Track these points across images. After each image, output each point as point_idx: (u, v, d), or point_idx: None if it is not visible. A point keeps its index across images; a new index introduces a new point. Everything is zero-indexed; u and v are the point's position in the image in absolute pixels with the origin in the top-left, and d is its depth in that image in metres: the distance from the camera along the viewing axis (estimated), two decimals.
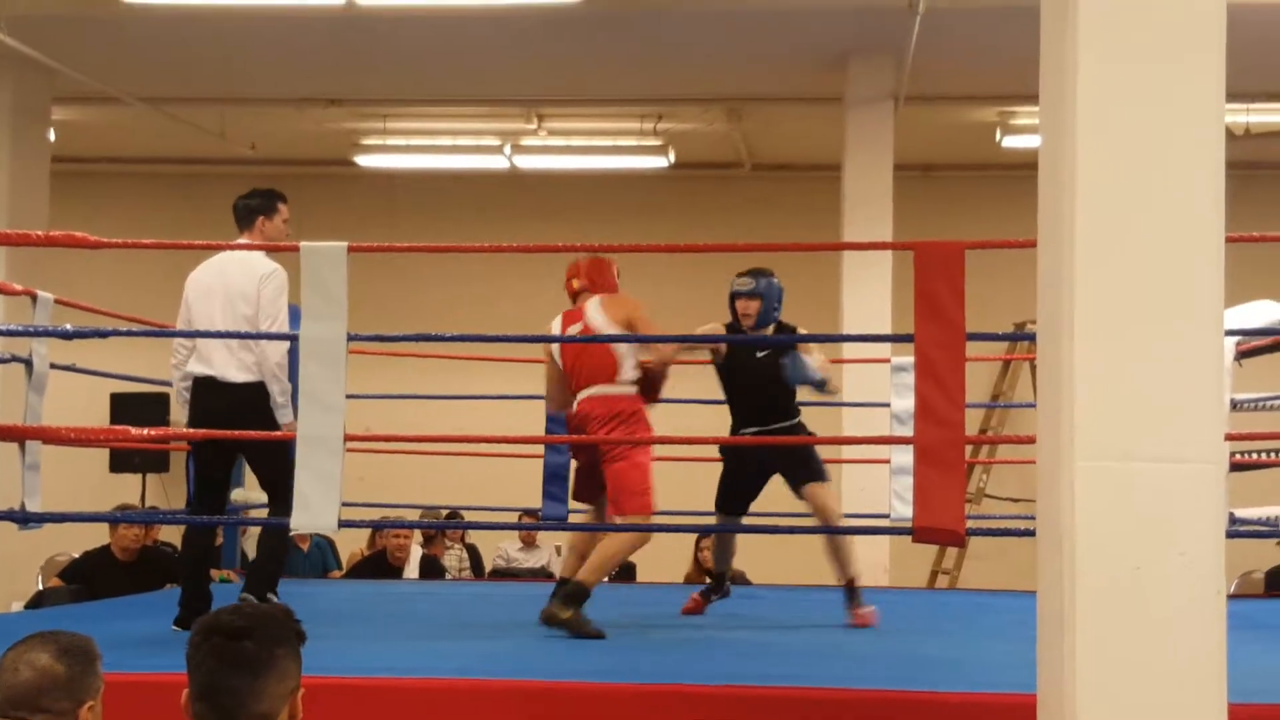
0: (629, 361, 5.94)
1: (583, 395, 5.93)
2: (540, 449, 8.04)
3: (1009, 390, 12.25)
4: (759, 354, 6.39)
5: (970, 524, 5.29)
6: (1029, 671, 3.17)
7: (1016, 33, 5.04)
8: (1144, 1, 2.94)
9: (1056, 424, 2.95)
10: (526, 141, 12.10)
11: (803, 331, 6.53)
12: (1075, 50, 2.94)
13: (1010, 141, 11.25)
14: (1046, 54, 3.14)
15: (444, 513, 10.37)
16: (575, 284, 6.19)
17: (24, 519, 5.64)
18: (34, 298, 6.07)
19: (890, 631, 6.17)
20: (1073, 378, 2.89)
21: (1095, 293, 2.89)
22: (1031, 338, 4.19)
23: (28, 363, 5.98)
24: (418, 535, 10.10)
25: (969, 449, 8.65)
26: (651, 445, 5.96)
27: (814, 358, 6.24)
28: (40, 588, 9.14)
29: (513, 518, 9.12)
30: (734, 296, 6.53)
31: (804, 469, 6.32)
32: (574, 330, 5.98)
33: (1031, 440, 3.36)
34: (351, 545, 10.43)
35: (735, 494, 6.56)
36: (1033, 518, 3.23)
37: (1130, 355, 2.88)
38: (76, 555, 8.65)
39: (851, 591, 6.31)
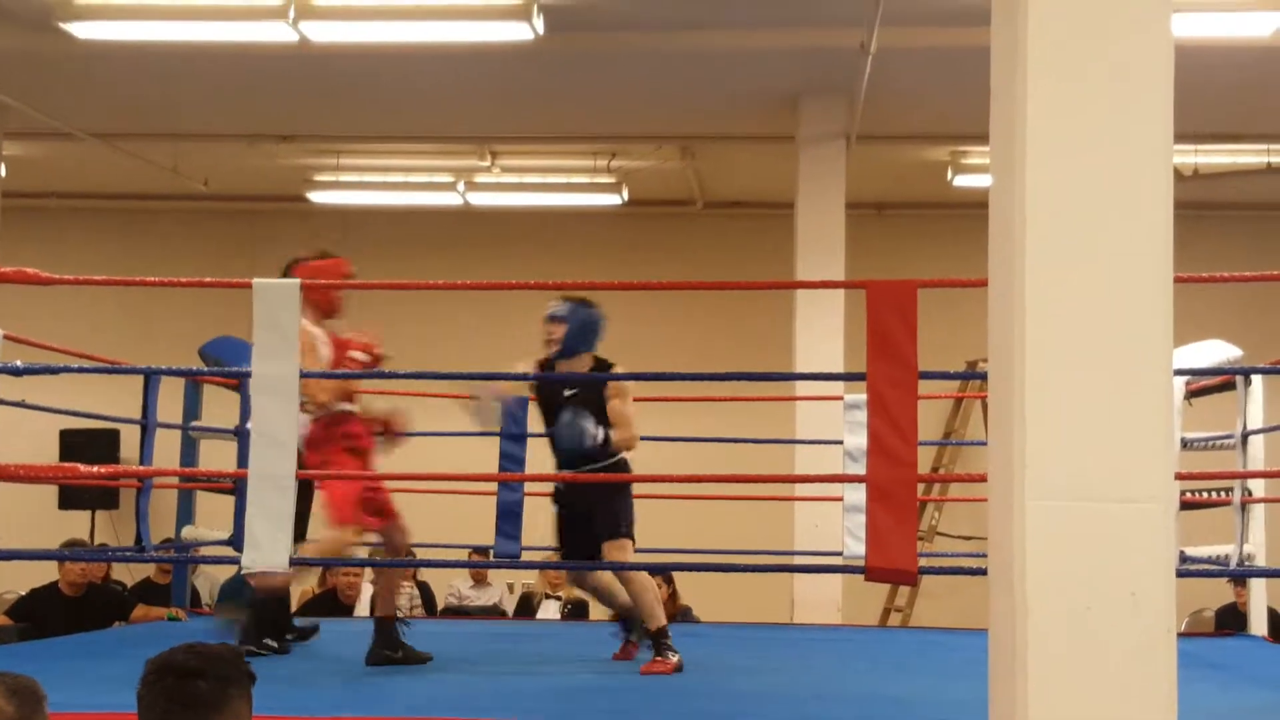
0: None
1: None
2: (493, 486, 8.03)
3: (961, 428, 12.32)
4: (566, 392, 6.15)
5: (923, 562, 5.31)
6: (981, 710, 3.18)
7: (968, 73, 5.09)
8: (1093, 42, 2.97)
9: (1007, 462, 2.97)
10: (480, 178, 12.11)
11: (620, 370, 6.34)
12: (1025, 91, 2.97)
13: (962, 180, 11.34)
14: (997, 94, 3.18)
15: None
16: None
17: None
18: None
19: (844, 670, 6.18)
20: (1023, 416, 2.91)
21: (1045, 332, 2.92)
22: (983, 376, 4.23)
23: None
24: (368, 573, 10.03)
25: (921, 487, 8.69)
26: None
27: (616, 404, 6.01)
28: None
29: (464, 555, 9.09)
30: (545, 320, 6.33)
31: (608, 523, 6.00)
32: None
33: (983, 478, 3.38)
34: (302, 583, 10.35)
35: (570, 542, 6.19)
36: (984, 555, 3.24)
37: (1080, 394, 2.90)
38: (24, 593, 8.56)
39: (659, 639, 5.95)
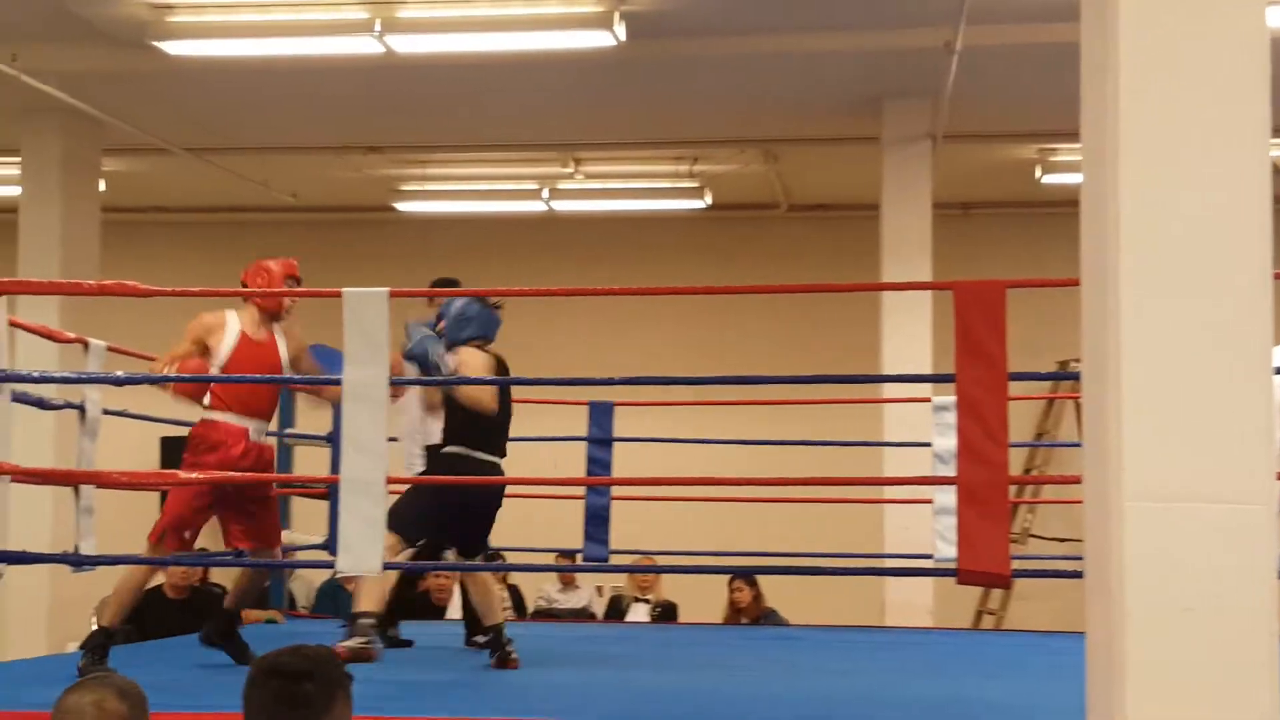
0: None
1: None
2: (581, 490, 8.08)
3: (1053, 429, 12.20)
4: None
5: (1015, 565, 5.28)
6: (1078, 715, 3.17)
7: (1056, 69, 5.05)
8: (1186, 34, 2.94)
9: (1103, 464, 2.95)
10: (564, 185, 12.17)
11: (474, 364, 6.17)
12: (1116, 86, 2.95)
13: (1051, 179, 11.25)
14: (1087, 90, 3.16)
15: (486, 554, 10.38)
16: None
17: (78, 561, 5.70)
18: (86, 345, 6.16)
19: (936, 674, 6.16)
20: (1119, 417, 2.89)
21: (1141, 331, 2.89)
22: (1075, 376, 4.21)
23: (81, 409, 6.07)
24: (459, 576, 10.12)
25: (1013, 489, 8.63)
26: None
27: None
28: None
29: (551, 559, 9.15)
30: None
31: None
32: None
33: (1077, 480, 3.36)
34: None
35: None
36: (1079, 558, 3.22)
37: (1177, 393, 2.88)
38: None
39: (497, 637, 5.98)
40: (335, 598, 8.78)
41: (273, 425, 7.97)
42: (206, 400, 5.91)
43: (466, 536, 6.07)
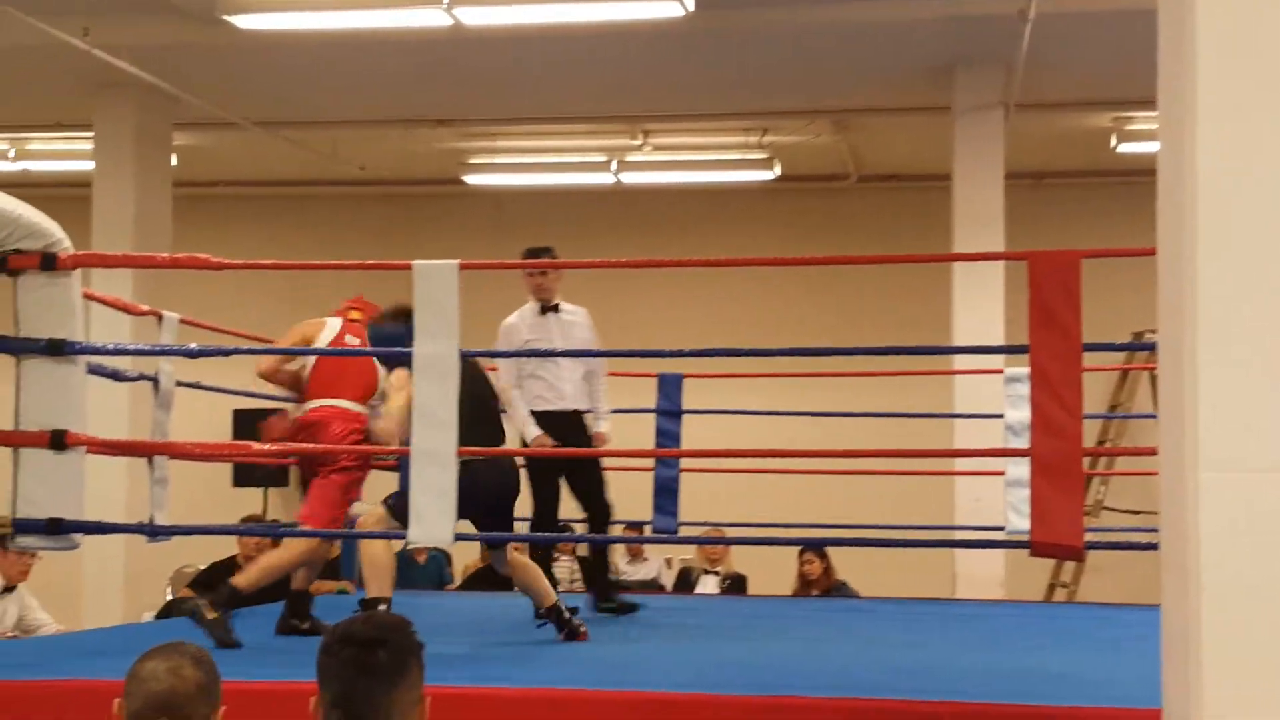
0: None
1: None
2: (649, 463, 8.09)
3: (1127, 401, 12.08)
4: None
5: (1089, 537, 5.23)
6: (1152, 686, 3.14)
7: (1132, 36, 4.99)
8: (1267, 1, 2.90)
9: (1179, 435, 2.92)
10: (632, 157, 12.17)
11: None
12: (1194, 52, 2.90)
13: (1127, 147, 11.12)
14: (1164, 56, 3.11)
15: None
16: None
17: (153, 532, 5.78)
18: (160, 318, 6.22)
19: (1009, 645, 6.12)
20: (1195, 388, 2.85)
21: (1218, 300, 2.85)
22: (1150, 347, 4.16)
23: (155, 381, 6.14)
24: (528, 548, 10.16)
25: (1087, 461, 8.56)
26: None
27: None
28: (169, 598, 9.34)
29: (619, 531, 9.17)
30: None
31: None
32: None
33: (1152, 451, 3.32)
34: (466, 558, 10.53)
35: None
36: (1153, 530, 3.19)
37: (1254, 363, 2.83)
38: (203, 566, 8.82)
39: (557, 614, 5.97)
40: (405, 569, 8.84)
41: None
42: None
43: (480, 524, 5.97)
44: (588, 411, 7.05)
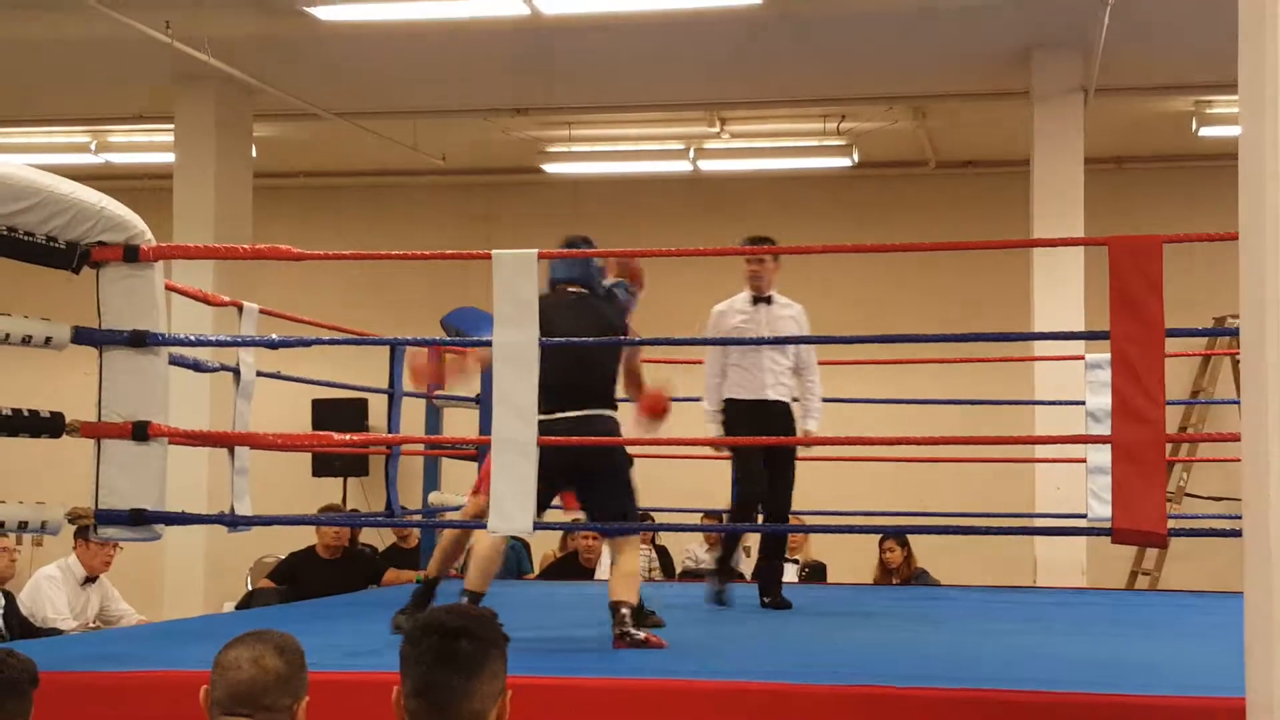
0: None
1: None
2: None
3: (1209, 386, 11.93)
4: None
5: (1171, 524, 5.18)
6: (1236, 675, 3.10)
7: (1214, 18, 4.93)
8: None
9: (1262, 420, 2.88)
10: (710, 145, 12.16)
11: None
12: (1276, 35, 2.86)
13: (1208, 131, 10.98)
14: (1245, 40, 3.07)
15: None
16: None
17: (233, 522, 5.84)
18: (240, 308, 6.29)
19: (1091, 634, 6.06)
20: (1278, 373, 2.82)
21: None
22: (1232, 333, 4.10)
23: (236, 371, 6.21)
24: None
25: (1169, 447, 8.46)
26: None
27: None
28: (250, 588, 9.46)
29: (698, 519, 9.17)
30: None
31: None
32: None
33: (1235, 438, 3.28)
34: (544, 547, 10.58)
35: None
36: (1237, 517, 3.15)
37: None
38: (283, 556, 8.92)
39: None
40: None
41: (421, 387, 8.11)
42: None
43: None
44: (790, 403, 6.97)
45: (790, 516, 7.27)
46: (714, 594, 7.08)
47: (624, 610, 5.36)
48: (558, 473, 5.38)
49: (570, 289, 5.77)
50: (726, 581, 7.15)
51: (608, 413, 5.60)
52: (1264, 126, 2.90)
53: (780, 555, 7.32)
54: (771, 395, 6.88)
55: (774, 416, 6.85)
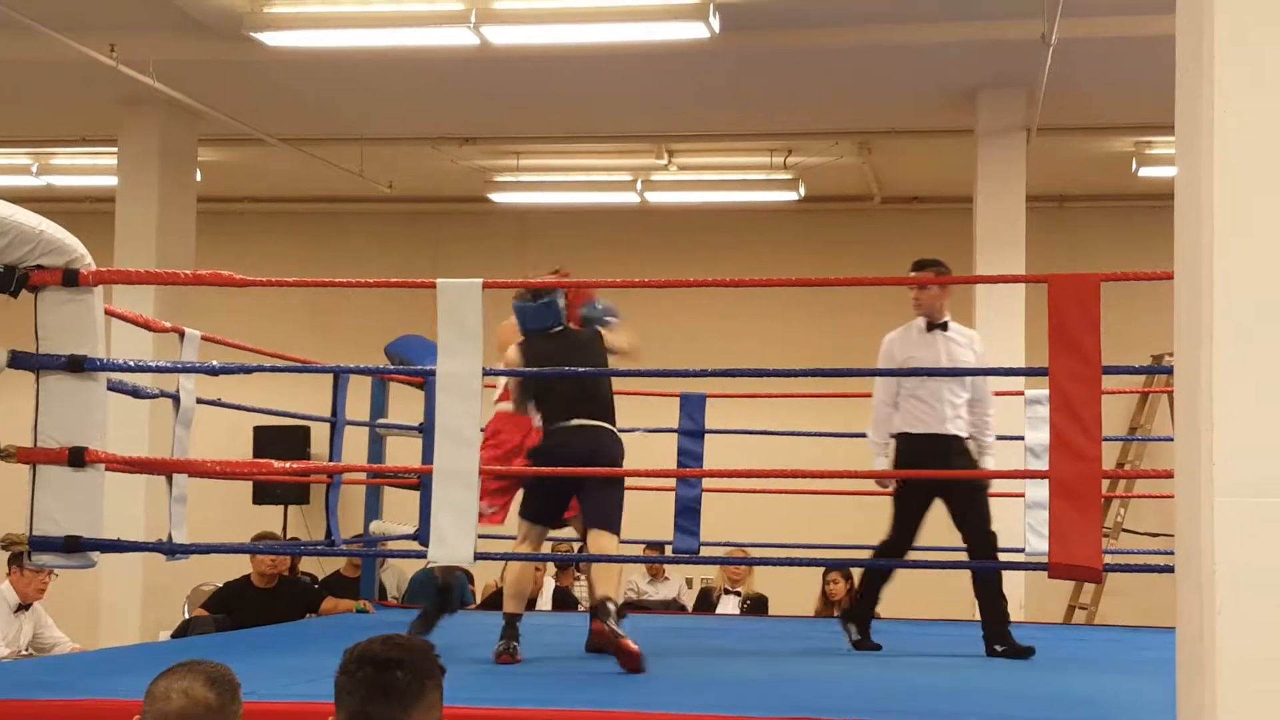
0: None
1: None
2: (671, 482, 8.08)
3: (1146, 424, 12.05)
4: None
5: (1108, 559, 5.22)
6: (1169, 711, 3.13)
7: (1153, 62, 4.99)
8: None
9: (1195, 459, 2.91)
10: (657, 177, 12.20)
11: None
12: (1212, 78, 2.91)
13: (1147, 172, 11.11)
14: (1182, 83, 3.11)
15: (576, 546, 10.43)
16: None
17: (171, 550, 5.79)
18: (182, 334, 6.24)
19: (1028, 668, 6.09)
20: (1211, 412, 2.85)
21: (1234, 324, 2.85)
22: (1169, 371, 4.15)
23: (175, 398, 6.16)
24: (550, 568, 10.18)
25: (1106, 483, 8.53)
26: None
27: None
28: (187, 616, 9.36)
29: (639, 550, 9.17)
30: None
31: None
32: None
33: (1170, 475, 3.31)
34: (487, 577, 10.54)
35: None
36: (1172, 553, 3.18)
37: (1270, 388, 2.83)
38: (220, 585, 8.83)
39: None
40: (426, 588, 8.85)
41: (364, 415, 8.07)
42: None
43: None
44: (969, 438, 6.53)
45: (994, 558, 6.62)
46: (853, 640, 6.65)
47: (609, 604, 5.64)
48: (566, 477, 5.79)
49: (552, 331, 6.01)
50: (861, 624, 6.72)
51: (609, 426, 5.95)
52: (1199, 167, 2.94)
53: (994, 597, 6.62)
54: (951, 429, 6.45)
55: (953, 452, 6.44)
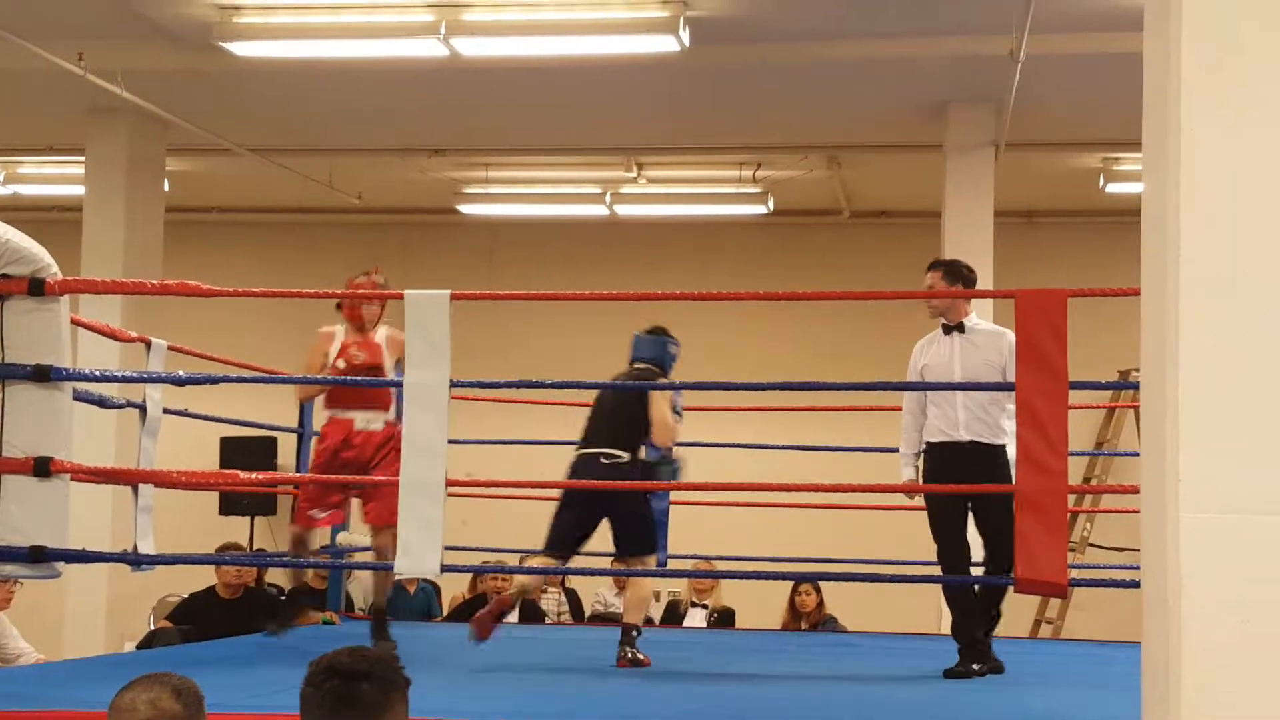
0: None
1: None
2: None
3: (1113, 439, 12.11)
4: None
5: (1073, 574, 5.25)
6: None
7: (1121, 78, 5.02)
8: (1250, 47, 2.92)
9: (1160, 475, 2.93)
10: (627, 189, 12.20)
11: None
12: (1179, 96, 2.92)
13: (1115, 188, 11.16)
14: (1149, 100, 3.13)
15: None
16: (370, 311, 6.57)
17: (137, 561, 5.76)
18: (148, 345, 6.22)
19: (993, 682, 6.11)
20: (1176, 428, 2.86)
21: (1199, 340, 2.87)
22: (1136, 386, 4.17)
23: (142, 408, 6.13)
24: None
25: (1072, 498, 8.56)
26: None
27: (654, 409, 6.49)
28: (152, 628, 9.30)
29: (608, 563, 9.14)
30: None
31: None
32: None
33: (1136, 490, 3.33)
34: (454, 589, 10.51)
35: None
36: (1138, 568, 3.20)
37: (1234, 404, 2.85)
38: (186, 596, 8.78)
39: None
40: (394, 601, 8.82)
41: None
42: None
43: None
44: (993, 445, 6.04)
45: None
46: (979, 669, 6.09)
47: (633, 632, 6.20)
48: (581, 503, 6.31)
49: (638, 366, 6.60)
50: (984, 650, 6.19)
51: (615, 452, 6.37)
52: (1166, 184, 2.96)
53: (987, 611, 6.29)
54: (965, 435, 6.02)
55: (969, 461, 6.00)
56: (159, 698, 2.77)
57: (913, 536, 9.54)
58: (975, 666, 6.00)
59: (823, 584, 9.32)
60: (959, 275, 6.23)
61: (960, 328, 6.18)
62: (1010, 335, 5.69)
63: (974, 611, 6.15)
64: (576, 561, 9.23)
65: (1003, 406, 5.98)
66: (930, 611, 9.68)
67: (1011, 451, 5.52)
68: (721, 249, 13.08)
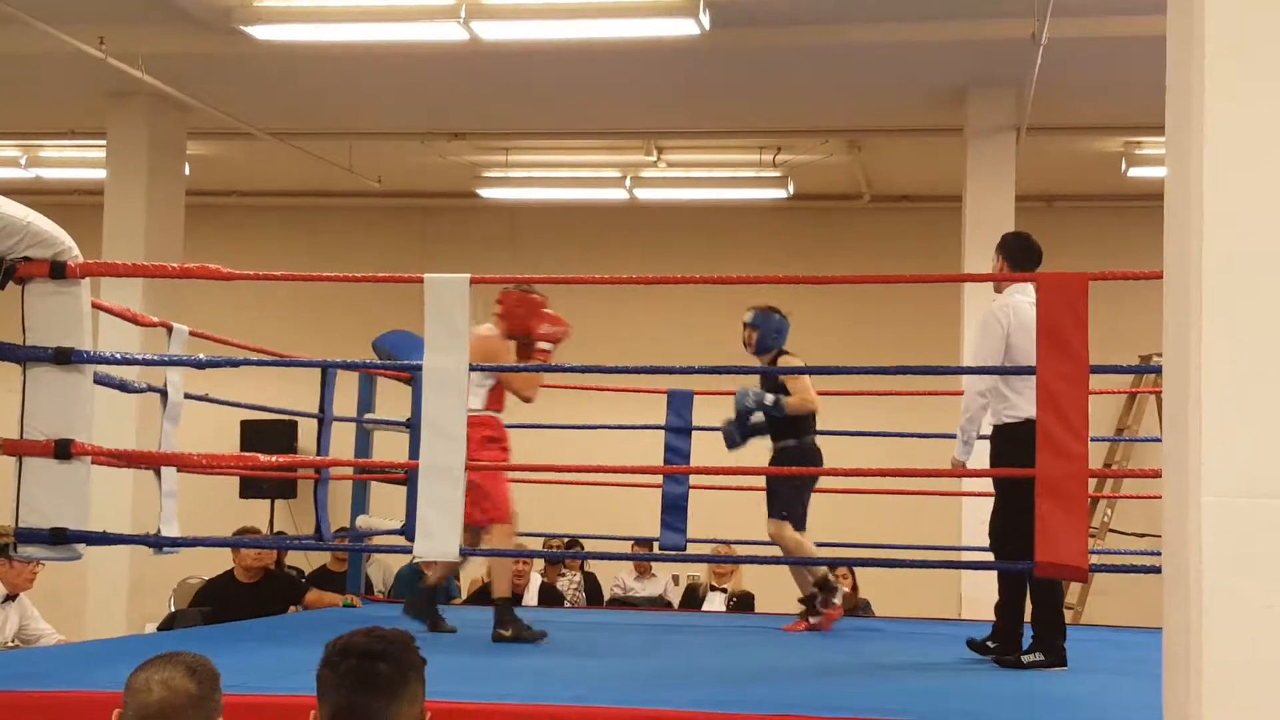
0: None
1: None
2: (658, 479, 8.08)
3: (1134, 424, 12.07)
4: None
5: (1094, 559, 5.22)
6: (1155, 710, 3.13)
7: (1143, 62, 4.99)
8: (1273, 29, 2.89)
9: (1182, 459, 2.91)
10: (646, 173, 12.19)
11: (797, 363, 7.24)
12: (1202, 78, 2.90)
13: (1137, 172, 11.12)
14: (1173, 83, 3.11)
15: (563, 541, 10.45)
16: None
17: (159, 543, 5.78)
18: (169, 329, 6.23)
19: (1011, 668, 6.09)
20: (1199, 411, 2.85)
21: (1222, 325, 2.85)
22: (1157, 370, 4.16)
23: (163, 392, 6.15)
24: (537, 563, 10.18)
25: (1093, 483, 8.53)
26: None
27: (791, 383, 7.08)
28: (172, 610, 9.34)
29: (628, 547, 9.16)
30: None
31: (772, 501, 7.14)
32: None
33: (1157, 474, 3.32)
34: (473, 572, 10.54)
35: None
36: (1159, 553, 3.18)
37: (1258, 388, 2.83)
38: (207, 578, 8.81)
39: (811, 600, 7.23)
40: (413, 583, 8.85)
41: (351, 410, 8.06)
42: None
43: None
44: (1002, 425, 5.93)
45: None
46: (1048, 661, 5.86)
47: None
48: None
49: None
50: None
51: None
52: (1189, 168, 2.94)
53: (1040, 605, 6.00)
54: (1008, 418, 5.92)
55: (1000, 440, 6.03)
56: (172, 677, 2.77)
57: (940, 521, 9.56)
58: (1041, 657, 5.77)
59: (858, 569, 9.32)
60: (1004, 247, 6.28)
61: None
62: (995, 304, 6.08)
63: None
64: (594, 546, 9.32)
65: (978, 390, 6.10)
66: (950, 596, 9.67)
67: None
68: (741, 233, 13.06)
